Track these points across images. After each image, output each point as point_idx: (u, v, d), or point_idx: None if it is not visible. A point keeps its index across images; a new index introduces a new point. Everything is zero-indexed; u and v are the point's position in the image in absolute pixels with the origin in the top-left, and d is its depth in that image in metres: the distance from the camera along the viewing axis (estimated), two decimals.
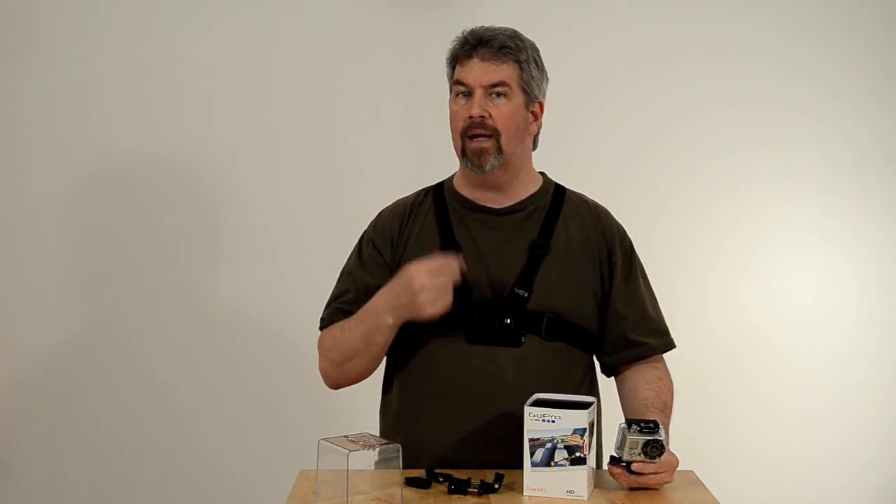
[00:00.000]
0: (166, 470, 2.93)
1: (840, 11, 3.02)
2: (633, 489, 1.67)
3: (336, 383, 1.93)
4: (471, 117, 1.82)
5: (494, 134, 1.83)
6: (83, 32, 2.89)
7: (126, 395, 2.92)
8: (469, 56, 1.83)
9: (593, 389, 1.94)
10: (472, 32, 1.86)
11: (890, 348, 3.07)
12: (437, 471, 1.72)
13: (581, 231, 1.91)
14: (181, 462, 2.93)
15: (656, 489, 1.67)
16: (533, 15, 2.84)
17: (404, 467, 1.64)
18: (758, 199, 3.03)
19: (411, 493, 1.65)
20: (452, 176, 1.98)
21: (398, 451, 1.60)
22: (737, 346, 3.03)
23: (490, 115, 1.82)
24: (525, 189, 1.92)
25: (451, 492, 1.65)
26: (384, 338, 1.82)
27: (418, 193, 1.99)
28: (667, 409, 1.85)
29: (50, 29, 2.88)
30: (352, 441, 1.59)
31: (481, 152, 1.83)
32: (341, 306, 1.91)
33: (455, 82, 1.85)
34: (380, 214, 1.99)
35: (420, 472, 1.71)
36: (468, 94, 1.84)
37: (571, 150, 2.90)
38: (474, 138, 1.83)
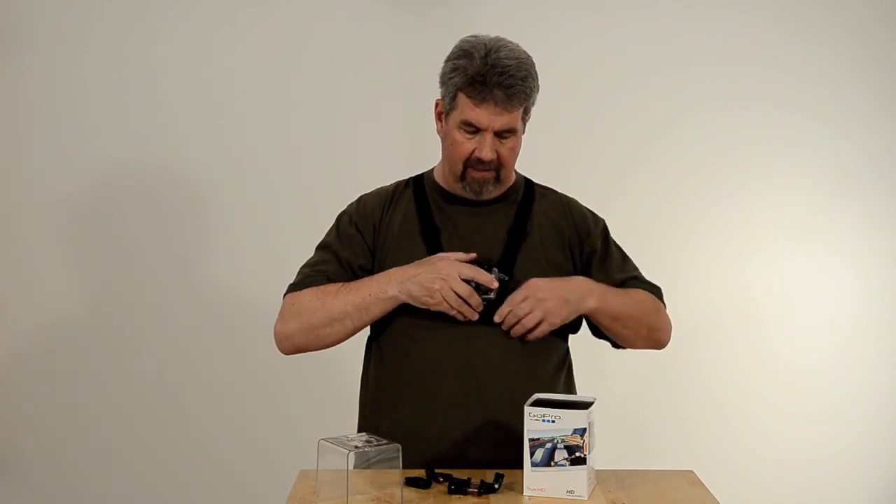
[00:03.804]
0: (166, 470, 2.93)
1: (840, 12, 3.02)
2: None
3: (297, 348, 1.90)
4: (480, 159, 1.83)
5: (497, 168, 1.86)
6: (84, 34, 2.89)
7: (126, 395, 2.92)
8: (483, 98, 1.79)
9: (570, 374, 1.98)
10: (490, 71, 1.77)
11: (890, 348, 3.07)
12: (437, 470, 1.72)
13: (552, 220, 1.95)
14: (181, 462, 2.94)
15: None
16: (532, 16, 2.85)
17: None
18: (758, 199, 3.04)
19: (411, 493, 1.65)
20: (432, 169, 2.01)
21: (398, 451, 1.61)
22: (738, 345, 3.03)
23: (497, 156, 1.84)
24: (502, 186, 1.95)
25: (450, 492, 1.65)
26: (379, 309, 1.83)
27: (398, 184, 2.01)
28: (626, 296, 1.90)
29: (50, 30, 2.88)
30: (352, 441, 1.60)
31: (483, 182, 1.87)
32: (321, 273, 1.90)
33: (464, 122, 1.82)
34: (361, 198, 2.01)
35: (420, 472, 1.72)
36: (476, 130, 1.83)
37: (572, 151, 2.91)
38: (477, 170, 1.85)
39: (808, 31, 3.02)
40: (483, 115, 1.80)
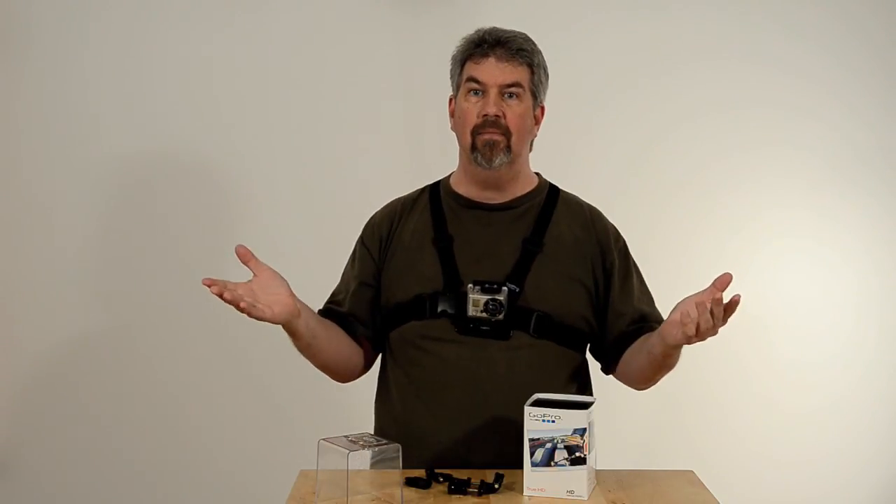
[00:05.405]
0: (167, 470, 2.93)
1: (840, 13, 3.02)
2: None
3: (338, 381, 2.01)
4: (485, 115, 1.84)
5: (506, 133, 1.85)
6: (84, 34, 2.89)
7: (126, 395, 2.92)
8: (485, 55, 1.85)
9: (586, 385, 1.97)
10: (489, 32, 1.88)
11: (889, 347, 3.07)
12: (437, 471, 1.72)
13: (573, 231, 1.93)
14: (181, 462, 2.93)
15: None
16: (534, 16, 2.84)
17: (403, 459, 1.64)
18: (759, 199, 3.03)
19: (411, 493, 1.65)
20: (449, 176, 2.00)
21: (398, 451, 1.61)
22: (737, 345, 3.02)
23: (504, 115, 1.85)
24: (521, 188, 1.95)
25: (450, 492, 1.65)
26: (294, 339, 1.84)
27: (414, 192, 2.01)
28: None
29: (52, 30, 2.88)
30: (352, 441, 1.60)
31: (493, 145, 1.85)
32: (328, 306, 1.97)
33: (469, 79, 1.86)
34: (373, 216, 2.03)
35: (420, 472, 1.72)
36: (480, 92, 1.86)
37: (573, 152, 2.90)
38: (485, 133, 1.85)
39: (808, 32, 3.02)
40: (484, 71, 1.85)
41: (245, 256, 1.74)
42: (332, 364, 1.94)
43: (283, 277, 1.76)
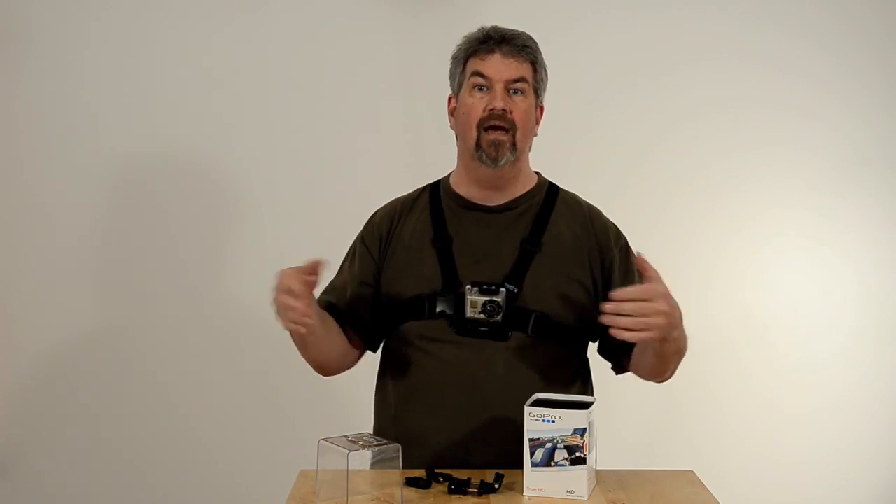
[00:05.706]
0: (166, 470, 2.93)
1: (840, 13, 3.02)
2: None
3: (323, 374, 1.99)
4: (492, 109, 1.84)
5: (511, 128, 1.85)
6: (84, 34, 2.89)
7: (126, 395, 2.92)
8: (491, 51, 1.86)
9: (587, 385, 1.96)
10: (494, 30, 1.88)
11: (889, 347, 3.07)
12: (437, 471, 1.72)
13: (572, 230, 1.92)
14: (181, 462, 2.94)
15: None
16: (534, 16, 2.83)
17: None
18: (759, 199, 3.03)
19: (411, 493, 1.65)
20: (448, 175, 2.00)
21: (398, 451, 1.61)
22: (737, 345, 3.03)
23: (510, 110, 1.84)
24: (521, 187, 1.94)
25: (450, 492, 1.65)
26: (296, 337, 1.83)
27: (415, 191, 2.01)
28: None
29: (52, 30, 2.88)
30: (352, 441, 1.60)
31: (499, 145, 1.85)
32: (327, 300, 1.95)
33: (474, 73, 1.86)
34: (372, 215, 2.03)
35: (420, 472, 1.71)
36: (485, 87, 1.85)
37: (573, 152, 2.90)
38: (491, 130, 1.84)
39: (808, 32, 3.02)
40: (491, 65, 1.85)
41: (314, 269, 1.72)
42: (325, 362, 1.95)
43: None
